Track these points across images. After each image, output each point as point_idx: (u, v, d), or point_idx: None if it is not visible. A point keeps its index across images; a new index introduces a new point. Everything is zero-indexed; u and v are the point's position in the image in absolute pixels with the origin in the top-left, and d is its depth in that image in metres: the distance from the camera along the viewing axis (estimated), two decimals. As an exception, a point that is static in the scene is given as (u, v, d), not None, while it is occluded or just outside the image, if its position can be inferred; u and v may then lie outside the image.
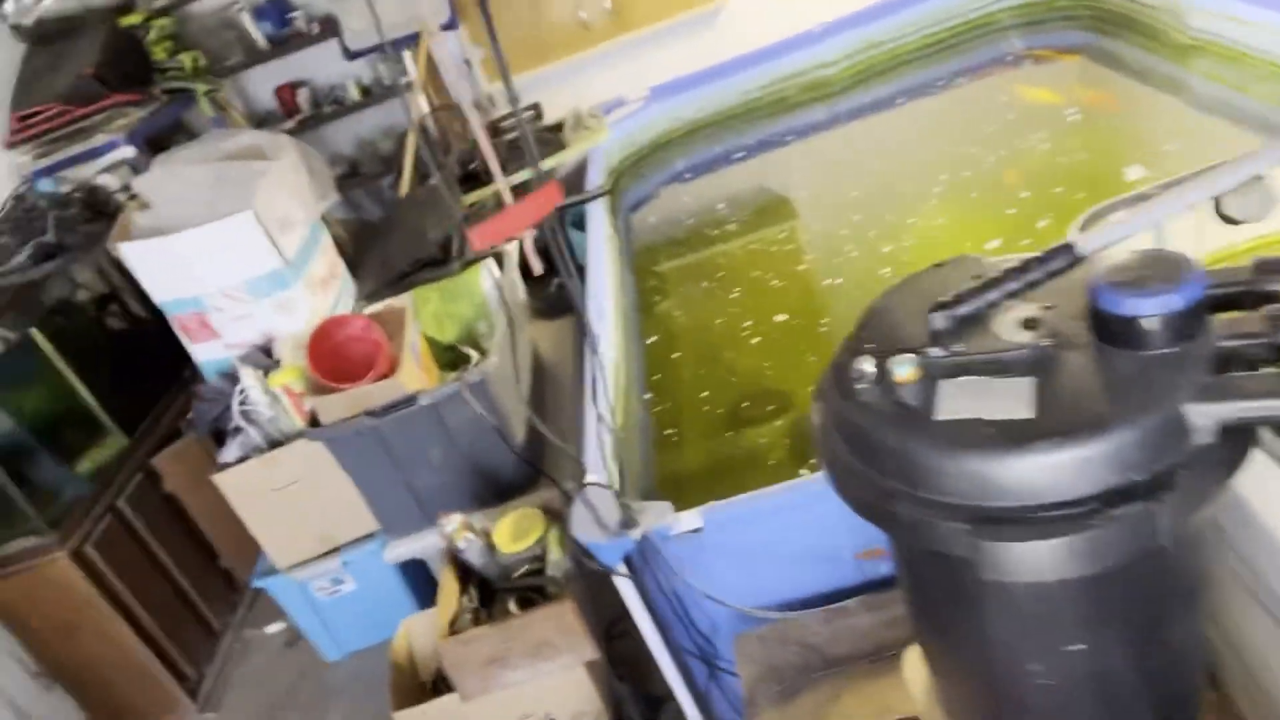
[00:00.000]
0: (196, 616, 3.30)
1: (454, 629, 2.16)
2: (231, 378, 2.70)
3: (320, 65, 4.55)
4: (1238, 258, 1.68)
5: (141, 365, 3.45)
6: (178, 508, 3.30)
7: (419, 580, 2.84)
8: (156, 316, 2.80)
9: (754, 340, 2.94)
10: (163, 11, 4.25)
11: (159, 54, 4.12)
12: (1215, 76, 3.22)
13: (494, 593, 2.28)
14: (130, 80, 3.81)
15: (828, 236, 3.35)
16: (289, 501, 2.66)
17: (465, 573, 2.31)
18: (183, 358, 2.83)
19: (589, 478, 1.93)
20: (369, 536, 2.76)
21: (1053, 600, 0.96)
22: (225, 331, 2.73)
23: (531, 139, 1.64)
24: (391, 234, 3.30)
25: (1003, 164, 3.29)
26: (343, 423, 2.37)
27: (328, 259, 2.97)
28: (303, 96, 4.59)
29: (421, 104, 3.82)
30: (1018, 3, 4.17)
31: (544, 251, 3.23)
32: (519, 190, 3.02)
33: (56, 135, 3.61)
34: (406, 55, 3.86)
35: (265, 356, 2.73)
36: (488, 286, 2.96)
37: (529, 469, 2.51)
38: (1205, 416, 0.88)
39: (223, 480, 2.64)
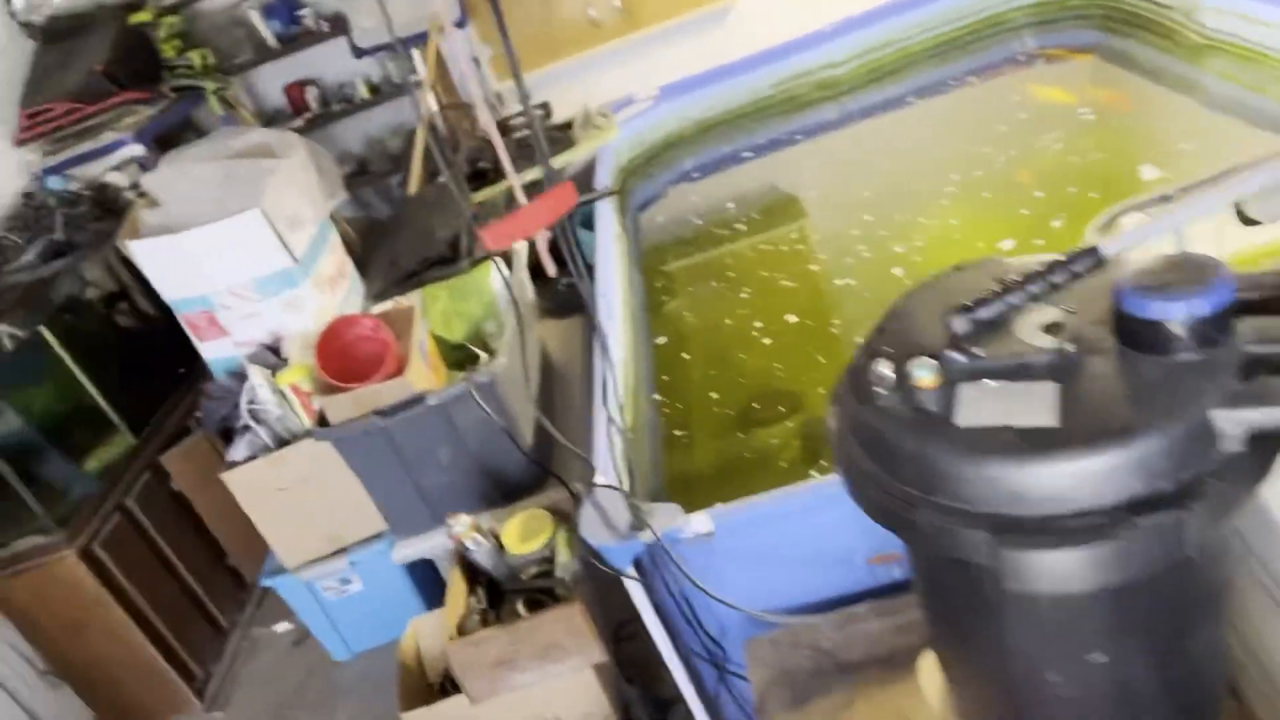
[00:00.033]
0: (204, 615, 3.30)
1: (462, 630, 2.15)
2: (240, 376, 2.70)
3: (329, 63, 4.55)
4: (1258, 259, 1.66)
5: (150, 363, 3.45)
6: (186, 506, 3.30)
7: (427, 580, 2.83)
8: (165, 314, 2.80)
9: (764, 341, 2.92)
10: (172, 9, 4.25)
11: (168, 52, 4.12)
12: (1230, 76, 3.19)
13: (502, 594, 2.27)
14: (140, 78, 3.81)
15: (838, 236, 3.33)
16: (297, 501, 2.65)
17: (473, 574, 2.30)
18: (191, 356, 2.83)
19: (598, 479, 1.92)
20: (376, 536, 2.75)
21: (1075, 610, 0.94)
22: (234, 330, 2.73)
23: (543, 137, 1.63)
24: (400, 232, 3.29)
25: (1015, 164, 3.26)
26: (351, 422, 2.36)
27: (336, 257, 2.97)
28: (311, 95, 4.59)
29: (430, 102, 3.81)
30: (1030, 2, 4.14)
31: (553, 250, 3.21)
32: (528, 189, 3.01)
33: (66, 133, 3.61)
34: (415, 53, 3.86)
35: (273, 355, 2.72)
36: (497, 285, 2.95)
37: (537, 469, 2.49)
38: (1234, 423, 0.86)
39: (231, 479, 2.63)
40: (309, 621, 2.96)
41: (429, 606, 2.77)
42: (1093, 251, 1.01)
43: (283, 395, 2.62)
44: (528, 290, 3.18)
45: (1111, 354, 0.94)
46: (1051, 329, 0.99)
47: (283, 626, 3.35)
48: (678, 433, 2.72)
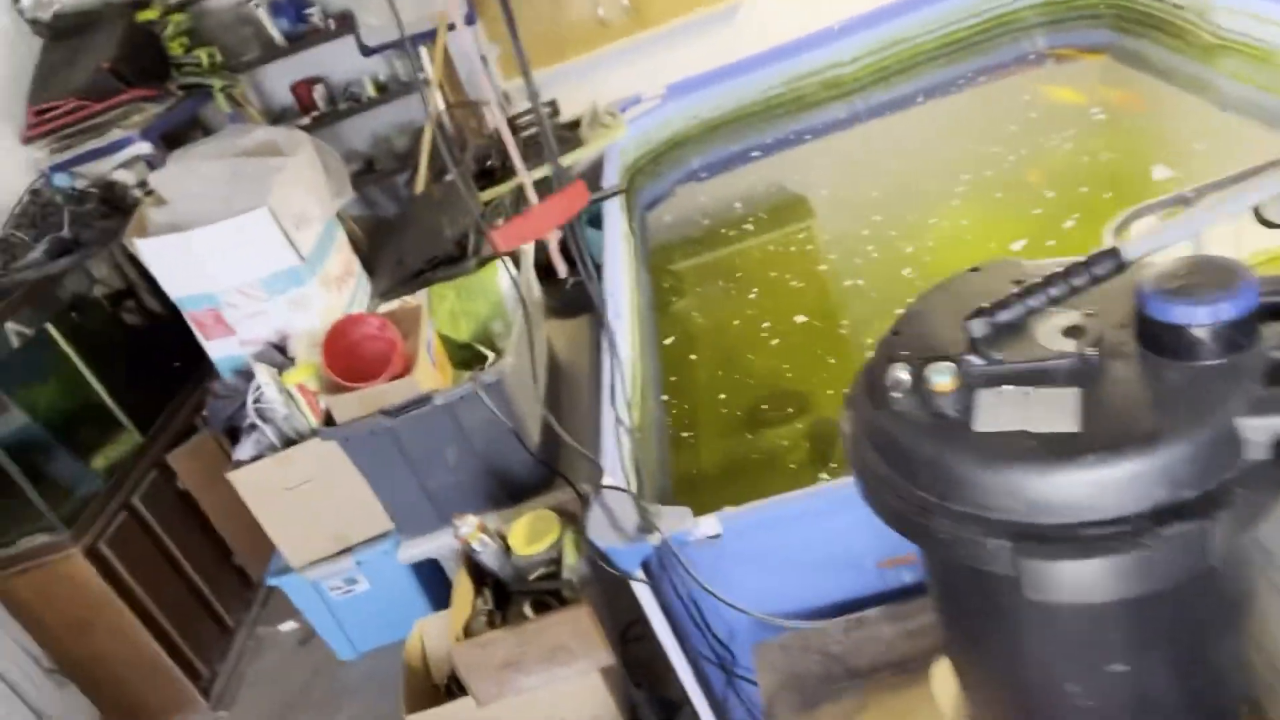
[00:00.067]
0: (210, 614, 3.29)
1: (468, 632, 2.14)
2: (246, 375, 2.69)
3: (336, 61, 4.54)
4: (1277, 262, 1.64)
5: (156, 361, 3.44)
6: (192, 505, 3.29)
7: (433, 580, 2.82)
8: (172, 312, 2.79)
9: (772, 341, 2.90)
10: (179, 6, 4.24)
11: (175, 49, 4.11)
12: (1243, 77, 3.17)
13: (509, 595, 2.26)
14: (147, 75, 3.80)
15: (847, 236, 3.31)
16: (303, 500, 2.65)
17: (480, 575, 2.29)
18: (198, 354, 2.82)
19: (606, 481, 1.90)
20: (383, 536, 2.74)
21: (1096, 620, 0.93)
22: (240, 328, 2.72)
23: (552, 136, 1.61)
24: (407, 231, 3.28)
25: (1026, 164, 3.24)
26: (357, 422, 2.35)
27: (343, 256, 2.96)
28: (319, 93, 4.58)
29: (438, 100, 3.80)
30: (1040, 0, 4.12)
31: (563, 250, 3.20)
32: (536, 187, 2.99)
33: (73, 130, 3.60)
34: (423, 51, 3.85)
35: (280, 354, 2.71)
36: (504, 285, 2.93)
37: (544, 470, 2.48)
38: (1260, 431, 0.84)
39: (237, 478, 2.63)
40: (314, 621, 2.95)
41: (435, 607, 2.77)
42: (1114, 253, 0.99)
43: (289, 394, 2.61)
44: (535, 290, 3.17)
45: (1134, 359, 0.92)
46: (1072, 333, 0.97)
47: (288, 626, 3.34)
48: (685, 434, 2.71)
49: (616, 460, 1.97)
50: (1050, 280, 1.00)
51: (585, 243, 1.70)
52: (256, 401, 2.63)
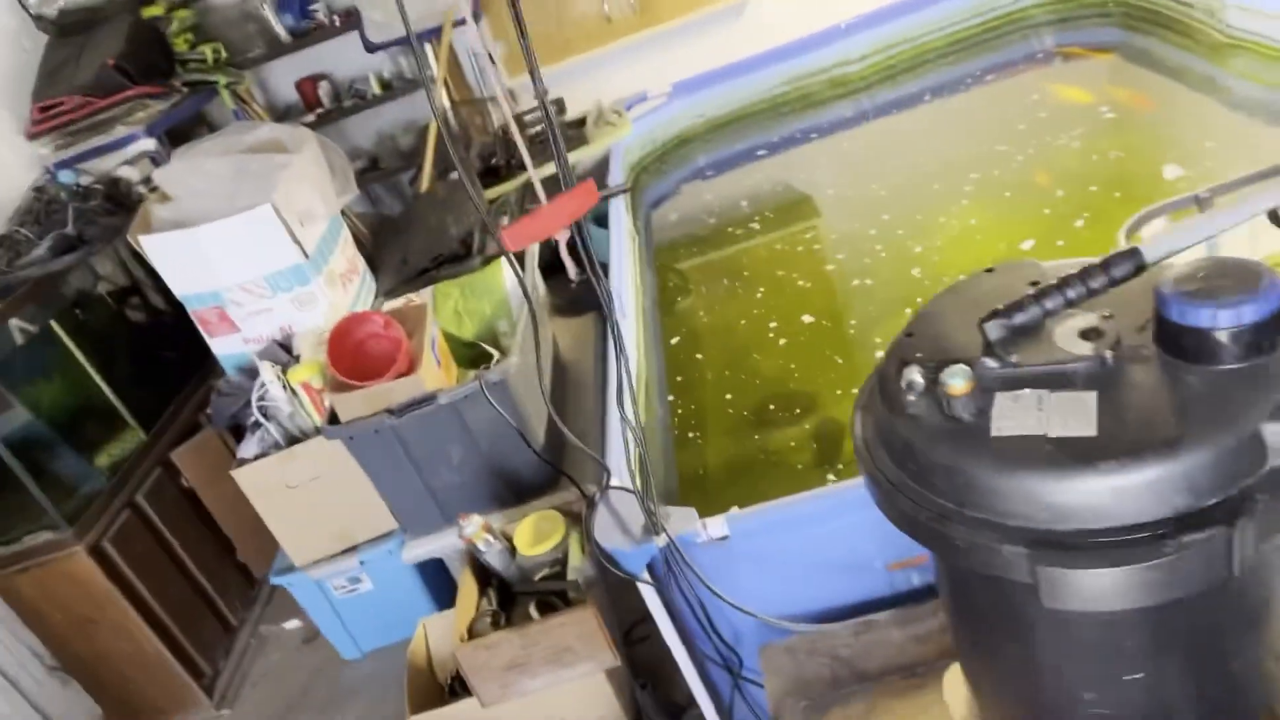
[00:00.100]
0: (213, 612, 3.29)
1: (473, 632, 2.13)
2: (251, 372, 2.68)
3: (341, 58, 4.53)
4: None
5: (161, 359, 3.44)
6: (196, 503, 3.28)
7: (437, 580, 2.81)
8: (176, 310, 2.78)
9: (779, 341, 2.89)
10: (184, 3, 4.23)
11: (180, 46, 4.10)
12: (1253, 76, 3.14)
13: (513, 596, 2.25)
14: (152, 72, 3.79)
15: (854, 236, 3.29)
16: (307, 499, 2.64)
17: (484, 575, 2.28)
18: (202, 352, 2.81)
19: (612, 481, 1.89)
20: (387, 535, 2.73)
21: (1114, 628, 0.91)
22: (244, 326, 2.71)
23: (559, 134, 1.60)
24: (412, 229, 3.27)
25: (1034, 163, 3.22)
26: (361, 420, 2.34)
27: (348, 254, 2.95)
28: (324, 90, 4.57)
29: (443, 98, 3.79)
30: (1048, -1, 4.10)
31: (571, 249, 3.19)
32: (542, 186, 2.98)
33: (78, 127, 3.59)
34: (429, 48, 3.83)
35: (284, 352, 2.70)
36: (509, 283, 2.92)
37: (550, 469, 2.47)
38: (1284, 437, 0.82)
39: (241, 476, 2.61)
40: (318, 620, 2.94)
41: (439, 606, 2.75)
42: (1133, 254, 0.97)
43: (293, 392, 2.60)
44: (540, 288, 3.16)
45: (1153, 362, 0.91)
46: (1089, 335, 0.95)
47: (292, 624, 3.33)
48: (691, 434, 2.70)
49: (622, 460, 1.95)
50: (1067, 282, 0.98)
51: (591, 242, 1.68)
52: (261, 399, 2.62)
